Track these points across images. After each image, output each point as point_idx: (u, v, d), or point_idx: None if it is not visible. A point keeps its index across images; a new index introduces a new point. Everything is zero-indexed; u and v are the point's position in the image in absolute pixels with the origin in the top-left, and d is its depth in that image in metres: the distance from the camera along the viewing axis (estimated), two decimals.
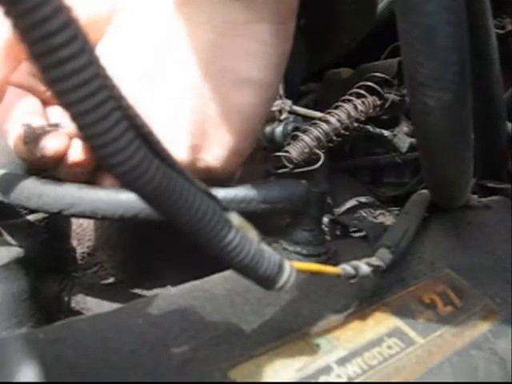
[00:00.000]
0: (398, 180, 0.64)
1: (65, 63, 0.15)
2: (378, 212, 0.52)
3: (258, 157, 0.41)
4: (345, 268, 0.28)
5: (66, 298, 0.43)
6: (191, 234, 0.20)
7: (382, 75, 0.48)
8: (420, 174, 0.63)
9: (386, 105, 0.48)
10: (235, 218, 0.21)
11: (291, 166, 0.44)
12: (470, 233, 0.43)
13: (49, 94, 0.39)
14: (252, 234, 0.22)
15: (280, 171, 0.45)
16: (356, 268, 0.29)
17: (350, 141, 0.54)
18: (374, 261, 0.31)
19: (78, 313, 0.43)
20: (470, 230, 0.43)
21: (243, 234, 0.21)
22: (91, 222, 0.47)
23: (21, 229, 0.43)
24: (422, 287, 0.36)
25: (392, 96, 0.48)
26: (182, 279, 0.33)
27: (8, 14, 0.14)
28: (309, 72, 0.60)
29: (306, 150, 0.44)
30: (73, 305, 0.43)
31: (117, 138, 0.16)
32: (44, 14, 0.14)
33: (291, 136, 0.46)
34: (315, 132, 0.45)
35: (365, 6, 0.58)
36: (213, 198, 0.20)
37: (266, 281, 0.23)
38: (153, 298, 0.30)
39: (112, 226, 0.46)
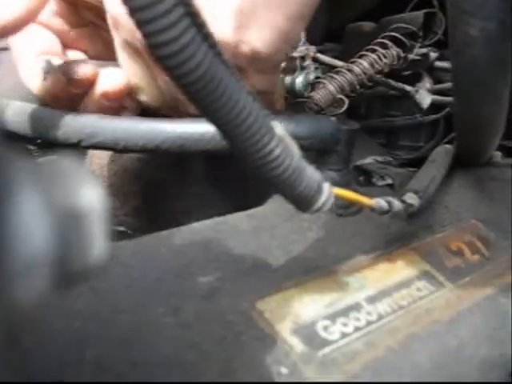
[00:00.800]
0: (413, 143, 0.63)
1: None
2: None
3: (279, 106, 0.40)
4: (379, 201, 0.27)
5: None
6: (230, 137, 0.19)
7: (408, 26, 0.47)
8: (436, 138, 0.62)
9: (411, 57, 0.47)
10: (278, 128, 0.20)
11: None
12: (495, 188, 0.42)
13: (71, 35, 0.37)
14: (294, 147, 0.21)
15: None
16: (390, 203, 0.27)
17: (368, 96, 0.52)
18: (407, 199, 0.30)
19: None
20: (494, 185, 0.42)
21: (285, 146, 0.20)
22: (103, 168, 0.45)
23: None
24: (448, 235, 0.35)
25: (417, 49, 0.47)
26: None
27: None
28: (329, 30, 0.58)
29: (330, 97, 0.43)
30: None
31: (165, 13, 0.15)
32: None
33: (312, 85, 0.45)
34: (338, 80, 0.43)
35: None
36: (257, 100, 0.19)
37: (304, 201, 0.22)
38: (175, 229, 0.29)
39: (124, 172, 0.45)
